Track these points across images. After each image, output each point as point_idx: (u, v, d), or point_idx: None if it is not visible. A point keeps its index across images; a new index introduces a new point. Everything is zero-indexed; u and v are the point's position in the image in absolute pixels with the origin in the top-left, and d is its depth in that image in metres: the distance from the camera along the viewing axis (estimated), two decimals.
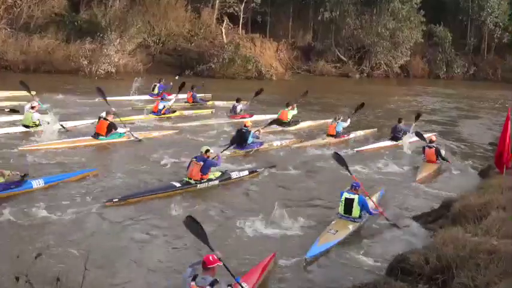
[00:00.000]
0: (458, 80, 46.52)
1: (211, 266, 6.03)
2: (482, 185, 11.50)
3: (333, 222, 9.43)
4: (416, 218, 10.24)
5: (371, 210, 9.74)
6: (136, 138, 15.11)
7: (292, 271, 7.60)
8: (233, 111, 19.62)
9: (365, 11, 45.06)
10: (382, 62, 45.90)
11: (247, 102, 19.95)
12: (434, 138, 15.24)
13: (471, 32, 51.81)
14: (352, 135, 17.64)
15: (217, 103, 22.69)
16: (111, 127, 14.87)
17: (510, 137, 12.03)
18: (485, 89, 38.28)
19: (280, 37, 45.09)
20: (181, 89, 20.25)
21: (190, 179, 11.15)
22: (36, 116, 15.58)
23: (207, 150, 11.45)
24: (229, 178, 11.85)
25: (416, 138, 15.83)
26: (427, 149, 14.54)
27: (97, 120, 15.07)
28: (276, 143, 15.75)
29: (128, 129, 15.36)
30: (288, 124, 18.28)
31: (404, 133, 16.68)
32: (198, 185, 11.13)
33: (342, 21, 44.42)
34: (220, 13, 41.65)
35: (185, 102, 22.18)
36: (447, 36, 48.31)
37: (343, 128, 17.06)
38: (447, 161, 14.57)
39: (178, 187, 10.78)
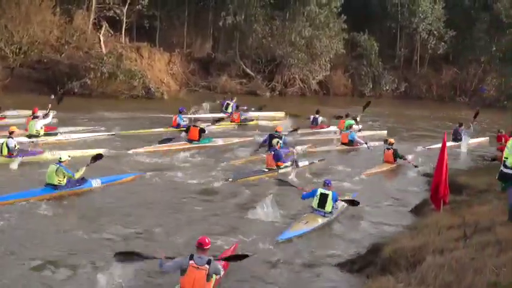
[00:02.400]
0: (387, 99, 49.17)
1: (207, 247, 8.79)
2: (416, 225, 12.16)
3: (305, 214, 13.38)
4: (339, 266, 10.68)
5: (338, 199, 13.69)
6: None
7: (266, 248, 11.53)
8: (314, 123, 27.75)
9: (276, 15, 46.50)
10: (297, 77, 47.54)
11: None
12: (392, 140, 20.91)
13: (401, 41, 55.16)
14: (370, 143, 23.10)
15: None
16: (202, 132, 22.07)
17: (447, 167, 12.95)
18: (418, 108, 40.75)
19: (173, 46, 45.45)
20: None
21: (269, 167, 18.21)
22: (39, 125, 20.73)
23: (277, 142, 19.06)
24: (297, 166, 18.63)
25: (476, 140, 25.82)
26: (386, 150, 20.51)
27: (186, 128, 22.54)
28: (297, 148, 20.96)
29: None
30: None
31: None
32: (279, 171, 18.03)
33: (248, 28, 45.63)
34: (98, 17, 41.20)
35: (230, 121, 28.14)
36: (373, 47, 51.01)
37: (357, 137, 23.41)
38: (405, 158, 20.17)
39: (265, 172, 17.99)
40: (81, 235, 11.62)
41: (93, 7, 40.22)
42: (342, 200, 13.91)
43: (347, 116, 26.66)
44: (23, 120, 23.29)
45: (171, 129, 24.82)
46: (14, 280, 9.38)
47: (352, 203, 13.94)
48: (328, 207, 13.37)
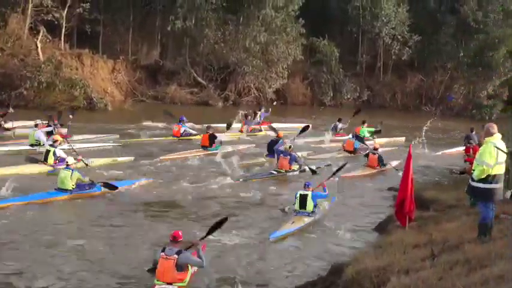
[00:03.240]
0: (348, 108, 49.45)
1: (179, 240, 10.33)
2: (380, 243, 12.20)
3: (291, 216, 15.15)
4: None
5: (323, 194, 15.87)
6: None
7: (257, 246, 13.26)
8: (334, 130, 30.87)
9: (229, 19, 46.81)
10: (252, 86, 47.95)
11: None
12: (378, 146, 23.47)
13: (363, 47, 56.10)
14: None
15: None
16: (213, 138, 24.88)
17: (413, 181, 13.03)
18: (382, 118, 41.09)
19: (117, 53, 45.31)
20: None
21: (281, 169, 21.11)
22: (38, 135, 22.62)
23: (290, 147, 21.67)
24: (304, 170, 21.21)
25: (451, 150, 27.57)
26: (370, 154, 22.68)
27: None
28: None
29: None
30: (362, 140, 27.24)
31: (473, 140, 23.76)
32: (288, 173, 21.02)
33: (199, 33, 45.80)
34: (35, 21, 40.81)
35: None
36: (333, 53, 51.77)
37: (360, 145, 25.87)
38: (388, 164, 22.28)
39: (274, 174, 20.84)
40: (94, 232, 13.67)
41: (30, 10, 39.76)
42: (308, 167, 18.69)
43: (364, 123, 29.64)
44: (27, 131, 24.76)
45: (172, 138, 27.41)
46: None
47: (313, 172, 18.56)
48: (309, 207, 15.20)
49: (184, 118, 28.52)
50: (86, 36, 44.76)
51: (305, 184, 15.81)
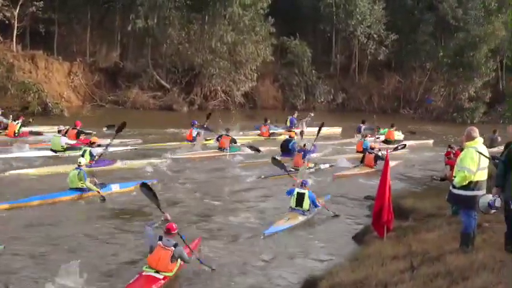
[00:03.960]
0: (322, 112, 49.76)
1: (174, 232, 11.82)
2: (356, 255, 12.26)
3: (286, 213, 16.44)
4: None
5: (317, 203, 16.81)
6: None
7: (253, 241, 14.62)
8: (358, 131, 33.23)
9: (194, 18, 46.86)
10: (219, 89, 47.90)
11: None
12: (374, 145, 25.61)
13: (337, 46, 56.47)
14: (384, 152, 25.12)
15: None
16: (232, 142, 27.40)
17: (390, 189, 13.08)
18: (357, 122, 41.19)
19: (74, 55, 44.96)
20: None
21: (297, 167, 22.47)
22: (63, 141, 24.69)
23: (304, 145, 24.33)
24: (320, 169, 24.04)
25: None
26: (367, 154, 24.57)
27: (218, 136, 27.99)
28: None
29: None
30: (393, 143, 30.51)
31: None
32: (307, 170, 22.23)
33: (161, 33, 45.70)
34: None
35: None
36: (305, 53, 51.95)
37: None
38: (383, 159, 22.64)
39: (292, 172, 21.27)
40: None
41: None
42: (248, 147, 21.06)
43: (392, 126, 33.16)
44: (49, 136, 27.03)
45: (185, 142, 29.00)
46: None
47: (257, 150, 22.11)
48: (306, 205, 16.54)
49: (196, 122, 30.41)
50: (40, 37, 44.21)
51: (302, 182, 17.08)
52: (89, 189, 18.16)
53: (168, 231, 11.82)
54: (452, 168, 13.00)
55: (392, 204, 13.22)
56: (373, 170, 24.03)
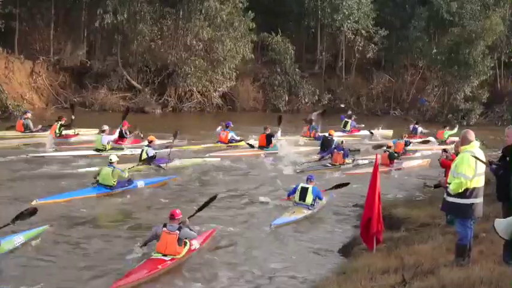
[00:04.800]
0: (306, 114, 49.60)
1: (177, 217, 13.65)
2: (344, 268, 12.28)
3: (291, 206, 18.50)
4: None
5: (322, 196, 18.75)
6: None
7: (261, 232, 16.61)
8: (414, 132, 36.73)
9: (167, 13, 46.68)
10: (195, 89, 47.65)
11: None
12: (391, 144, 27.78)
13: (322, 43, 56.54)
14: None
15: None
16: (270, 138, 29.94)
17: (380, 197, 13.14)
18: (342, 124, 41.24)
19: (36, 53, 44.57)
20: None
21: (335, 163, 26.33)
22: (105, 139, 26.51)
23: (342, 142, 27.54)
24: (358, 165, 26.91)
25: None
26: (383, 153, 26.35)
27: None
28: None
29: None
30: (445, 143, 32.94)
31: None
32: (341, 167, 26.24)
33: (132, 29, 45.38)
34: None
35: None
36: (288, 50, 51.88)
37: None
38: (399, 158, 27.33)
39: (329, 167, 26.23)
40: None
41: None
42: (330, 189, 19.92)
43: (445, 127, 36.64)
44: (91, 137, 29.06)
45: (219, 144, 30.71)
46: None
47: (340, 186, 20.24)
48: (309, 200, 18.31)
49: (231, 124, 31.79)
50: (0, 34, 43.95)
51: (307, 178, 19.07)
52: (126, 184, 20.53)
53: (172, 217, 13.69)
54: (447, 174, 13.05)
55: (383, 213, 13.26)
56: (388, 168, 26.34)
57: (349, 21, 53.73)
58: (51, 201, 18.28)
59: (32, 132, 30.33)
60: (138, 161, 24.14)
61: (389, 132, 38.20)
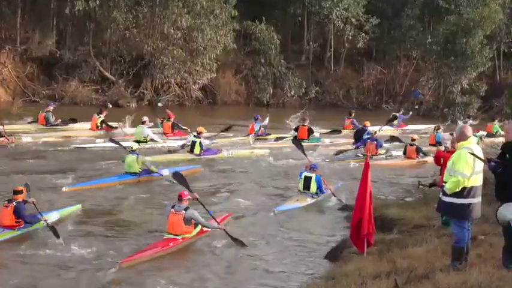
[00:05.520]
0: (292, 109, 49.66)
1: (185, 198, 15.32)
2: (332, 273, 12.26)
3: (296, 194, 20.24)
4: None
5: (323, 188, 20.17)
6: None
7: (263, 217, 18.65)
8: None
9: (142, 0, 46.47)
10: (173, 82, 47.78)
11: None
12: (416, 137, 29.02)
13: (310, 32, 56.58)
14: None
15: None
16: (310, 132, 32.35)
17: (371, 197, 13.20)
18: (332, 120, 41.25)
19: (2, 42, 44.46)
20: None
21: (365, 154, 27.64)
22: (146, 132, 29.24)
23: (375, 132, 29.79)
24: (391, 156, 29.15)
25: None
26: (408, 146, 28.22)
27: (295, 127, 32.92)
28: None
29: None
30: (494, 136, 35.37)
31: None
32: (373, 157, 27.35)
33: (105, 17, 45.24)
34: None
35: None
36: (273, 40, 51.68)
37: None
38: (425, 154, 27.96)
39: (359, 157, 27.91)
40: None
41: None
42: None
43: (493, 120, 39.17)
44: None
45: (249, 137, 32.64)
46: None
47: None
48: (313, 188, 19.95)
49: (259, 117, 33.93)
50: None
51: (311, 166, 20.52)
52: (151, 172, 22.61)
53: (180, 197, 15.43)
54: (442, 172, 13.09)
55: (374, 214, 13.29)
56: (413, 161, 28.26)
57: (338, 8, 53.41)
58: (78, 188, 20.74)
59: (52, 125, 32.31)
60: (187, 152, 27.23)
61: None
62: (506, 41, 56.12)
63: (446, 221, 13.25)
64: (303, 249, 15.58)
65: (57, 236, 15.09)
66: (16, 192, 15.82)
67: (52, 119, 32.44)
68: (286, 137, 32.06)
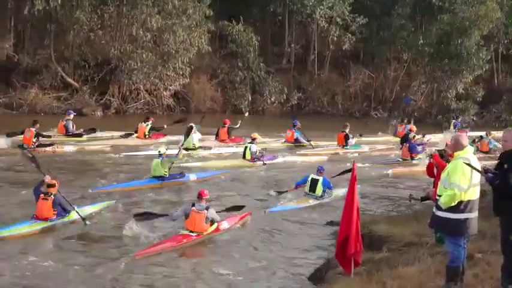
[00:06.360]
0: (272, 116, 49.77)
1: (205, 197, 17.57)
2: None
3: (302, 197, 22.07)
4: None
5: (332, 187, 22.16)
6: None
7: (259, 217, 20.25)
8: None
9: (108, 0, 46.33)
10: (142, 88, 47.81)
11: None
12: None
13: (291, 33, 56.70)
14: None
15: None
16: (347, 138, 34.44)
17: (359, 212, 13.19)
18: (317, 129, 41.34)
19: None
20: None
21: (405, 157, 31.03)
22: (195, 138, 31.51)
23: (414, 136, 32.65)
24: (419, 159, 30.72)
25: None
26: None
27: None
28: None
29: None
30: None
31: None
32: (413, 161, 30.95)
33: (67, 17, 45.04)
34: None
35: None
36: (251, 41, 51.81)
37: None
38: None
39: (399, 162, 31.52)
40: None
41: None
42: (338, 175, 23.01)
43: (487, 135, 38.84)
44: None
45: (287, 143, 35.67)
46: None
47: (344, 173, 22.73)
48: (319, 191, 21.75)
49: (298, 123, 36.11)
50: None
51: (318, 169, 22.30)
52: (177, 176, 24.66)
53: (200, 196, 17.54)
54: (436, 184, 13.08)
55: (361, 231, 13.26)
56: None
57: (321, 7, 53.63)
58: (103, 191, 22.65)
59: (72, 135, 33.38)
60: (241, 158, 29.56)
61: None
62: (505, 41, 56.51)
63: (440, 238, 13.21)
64: (284, 270, 15.53)
65: (84, 223, 18.46)
66: (50, 186, 18.42)
67: (72, 127, 33.51)
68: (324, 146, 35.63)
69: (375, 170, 29.14)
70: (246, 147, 29.61)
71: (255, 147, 29.40)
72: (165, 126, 35.66)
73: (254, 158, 29.13)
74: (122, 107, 46.98)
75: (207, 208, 17.29)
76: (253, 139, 30.12)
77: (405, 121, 41.73)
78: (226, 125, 35.25)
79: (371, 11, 56.12)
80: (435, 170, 16.73)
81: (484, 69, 52.12)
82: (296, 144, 35.56)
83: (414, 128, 36.54)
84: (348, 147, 34.64)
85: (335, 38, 55.42)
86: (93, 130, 34.66)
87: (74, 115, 34.74)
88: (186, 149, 30.35)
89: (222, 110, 51.53)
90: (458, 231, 10.50)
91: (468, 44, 50.09)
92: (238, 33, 51.70)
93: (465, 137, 10.86)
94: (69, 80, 46.39)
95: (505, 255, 10.21)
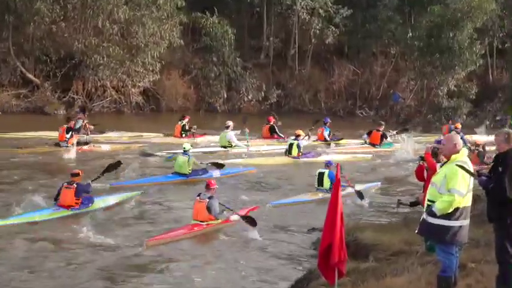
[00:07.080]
0: (249, 115, 49.72)
1: (212, 187, 19.30)
2: None
3: (312, 191, 23.79)
4: None
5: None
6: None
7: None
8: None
9: None
10: (109, 85, 47.80)
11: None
12: (480, 142, 31.94)
13: (270, 26, 56.74)
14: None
15: None
16: (383, 137, 36.17)
17: (343, 219, 13.25)
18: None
19: None
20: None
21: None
22: (229, 136, 33.74)
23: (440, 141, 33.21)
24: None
25: None
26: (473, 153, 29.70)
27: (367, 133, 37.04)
28: None
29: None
30: None
31: None
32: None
33: (27, 8, 44.86)
34: None
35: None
36: (227, 35, 51.71)
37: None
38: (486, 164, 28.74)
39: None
40: None
41: None
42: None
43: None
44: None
45: (318, 142, 37.49)
46: None
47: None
48: (326, 184, 23.12)
49: (329, 120, 38.71)
50: None
51: (326, 163, 24.03)
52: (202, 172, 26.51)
53: (208, 186, 19.14)
54: (425, 189, 13.13)
55: (346, 238, 13.29)
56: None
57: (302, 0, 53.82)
58: (126, 185, 24.54)
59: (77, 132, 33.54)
60: (284, 155, 31.78)
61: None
62: (500, 35, 56.73)
63: (430, 246, 13.27)
64: (258, 284, 15.60)
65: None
66: (74, 175, 20.40)
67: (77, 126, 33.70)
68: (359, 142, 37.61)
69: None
70: (291, 144, 31.59)
71: (303, 143, 31.97)
72: (195, 127, 37.11)
73: (300, 154, 31.28)
74: (86, 105, 46.75)
75: (210, 197, 18.71)
76: (298, 136, 31.98)
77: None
78: (269, 123, 37.79)
79: (356, 1, 56.20)
80: (425, 173, 16.77)
81: (477, 65, 52.21)
82: (329, 142, 37.63)
83: (459, 125, 38.19)
84: (380, 146, 36.24)
85: (317, 31, 55.45)
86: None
87: (87, 114, 36.51)
88: (223, 147, 33.65)
89: (196, 108, 51.44)
90: (451, 239, 10.53)
91: (460, 38, 50.11)
92: (212, 26, 51.57)
93: (458, 138, 10.93)
94: (30, 75, 46.30)
95: (500, 264, 10.27)
